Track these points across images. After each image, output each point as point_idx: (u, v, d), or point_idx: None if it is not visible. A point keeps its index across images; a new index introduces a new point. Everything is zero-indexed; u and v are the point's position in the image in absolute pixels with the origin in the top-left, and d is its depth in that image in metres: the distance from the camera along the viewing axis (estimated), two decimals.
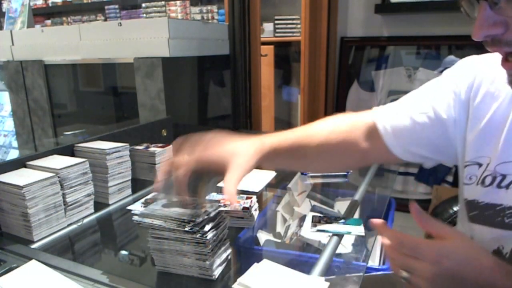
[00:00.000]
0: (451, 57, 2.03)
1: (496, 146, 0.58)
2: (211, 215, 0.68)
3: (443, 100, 0.65)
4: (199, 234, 0.67)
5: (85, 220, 0.98)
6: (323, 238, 0.96)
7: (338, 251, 0.78)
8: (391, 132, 0.69)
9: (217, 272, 0.72)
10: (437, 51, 2.08)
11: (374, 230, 0.63)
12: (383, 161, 0.87)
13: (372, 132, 0.72)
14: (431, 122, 0.65)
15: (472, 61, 0.66)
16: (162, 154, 1.24)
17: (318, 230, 0.84)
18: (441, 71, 2.04)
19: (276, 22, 2.69)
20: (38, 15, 3.56)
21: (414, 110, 0.67)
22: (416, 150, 0.68)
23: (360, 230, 0.83)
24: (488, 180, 0.59)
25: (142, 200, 1.06)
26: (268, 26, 2.70)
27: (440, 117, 0.64)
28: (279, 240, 1.01)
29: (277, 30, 2.70)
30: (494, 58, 0.62)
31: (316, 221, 0.88)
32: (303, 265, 0.78)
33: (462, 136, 0.64)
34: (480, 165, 0.60)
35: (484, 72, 0.62)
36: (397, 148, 0.69)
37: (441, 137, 0.65)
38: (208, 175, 0.71)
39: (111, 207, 1.06)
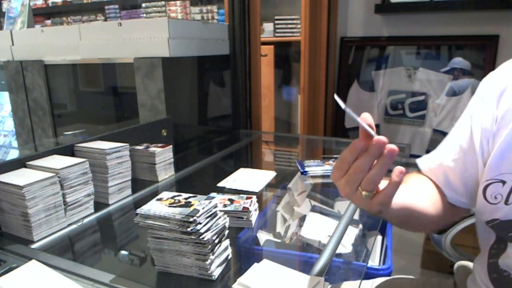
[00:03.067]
0: (460, 58, 2.02)
1: None
2: (199, 213, 0.68)
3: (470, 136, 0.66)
4: (196, 235, 0.67)
5: (85, 220, 0.98)
6: (323, 238, 0.96)
7: (338, 251, 0.78)
8: (445, 183, 0.69)
9: (217, 272, 0.72)
10: (437, 51, 2.08)
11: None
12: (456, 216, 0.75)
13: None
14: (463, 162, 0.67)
15: (489, 84, 0.66)
16: (162, 154, 1.24)
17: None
18: (446, 71, 2.03)
19: (276, 22, 2.69)
20: (38, 15, 3.56)
21: (449, 155, 0.69)
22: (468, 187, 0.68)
23: None
24: None
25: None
26: (268, 26, 2.69)
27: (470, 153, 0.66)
28: (279, 240, 1.01)
29: (277, 30, 2.70)
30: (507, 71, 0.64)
31: None
32: (303, 265, 0.78)
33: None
34: (504, 182, 0.59)
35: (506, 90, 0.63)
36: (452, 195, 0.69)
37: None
38: None
39: (111, 207, 1.06)
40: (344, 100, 2.29)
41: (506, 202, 0.59)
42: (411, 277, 0.95)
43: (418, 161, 0.76)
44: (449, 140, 0.71)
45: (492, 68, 1.84)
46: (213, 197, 0.75)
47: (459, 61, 2.02)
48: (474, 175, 0.65)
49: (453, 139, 0.70)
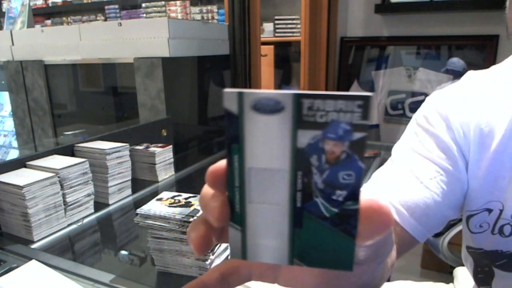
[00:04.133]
0: (456, 58, 2.02)
1: (508, 189, 0.51)
2: (199, 212, 0.68)
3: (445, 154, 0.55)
4: None
5: (85, 220, 0.98)
6: None
7: None
8: (408, 215, 0.53)
9: None
10: (437, 51, 2.08)
11: None
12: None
13: None
14: (449, 184, 0.54)
15: (446, 106, 0.56)
16: (162, 154, 1.24)
17: None
18: (445, 71, 2.03)
19: (276, 22, 2.69)
20: (38, 15, 3.56)
21: (423, 177, 0.54)
22: (442, 221, 0.56)
23: None
24: (508, 230, 0.52)
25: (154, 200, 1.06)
26: (268, 26, 2.69)
27: (454, 174, 0.54)
28: None
29: (277, 30, 2.70)
30: (465, 94, 0.56)
31: None
32: None
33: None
34: (490, 210, 0.53)
35: (469, 114, 0.54)
36: (420, 230, 0.53)
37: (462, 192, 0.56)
38: None
39: (111, 207, 1.06)
40: None
41: (492, 232, 0.54)
42: (410, 281, 0.95)
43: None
44: (413, 168, 0.55)
45: None
46: None
47: (455, 61, 2.02)
48: (457, 206, 0.56)
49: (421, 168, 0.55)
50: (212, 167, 0.22)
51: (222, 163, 0.22)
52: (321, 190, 0.21)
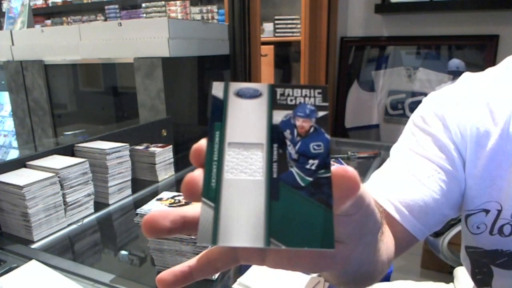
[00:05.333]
0: (456, 60, 2.02)
1: (506, 189, 0.51)
2: None
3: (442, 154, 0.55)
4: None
5: (85, 220, 0.98)
6: None
7: None
8: (407, 212, 0.52)
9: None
10: (437, 51, 2.08)
11: None
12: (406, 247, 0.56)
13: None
14: (448, 183, 0.53)
15: (443, 106, 0.56)
16: (162, 154, 1.24)
17: None
18: (448, 72, 2.03)
19: (276, 22, 2.69)
20: (38, 15, 3.56)
21: (421, 175, 0.54)
22: (441, 219, 0.55)
23: None
24: (507, 230, 0.52)
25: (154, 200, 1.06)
26: (268, 26, 2.69)
27: (451, 172, 0.54)
28: None
29: (277, 30, 2.70)
30: (461, 95, 0.56)
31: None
32: None
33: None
34: (487, 211, 0.53)
35: (465, 115, 0.55)
36: (419, 228, 0.53)
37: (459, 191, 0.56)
38: None
39: (111, 207, 1.06)
40: (344, 100, 2.30)
41: (491, 233, 0.53)
42: (410, 281, 0.95)
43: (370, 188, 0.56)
44: (411, 168, 0.55)
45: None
46: None
47: (455, 63, 2.02)
48: (456, 205, 0.56)
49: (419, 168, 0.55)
50: (195, 145, 0.24)
51: (204, 141, 0.24)
52: (295, 160, 0.23)
